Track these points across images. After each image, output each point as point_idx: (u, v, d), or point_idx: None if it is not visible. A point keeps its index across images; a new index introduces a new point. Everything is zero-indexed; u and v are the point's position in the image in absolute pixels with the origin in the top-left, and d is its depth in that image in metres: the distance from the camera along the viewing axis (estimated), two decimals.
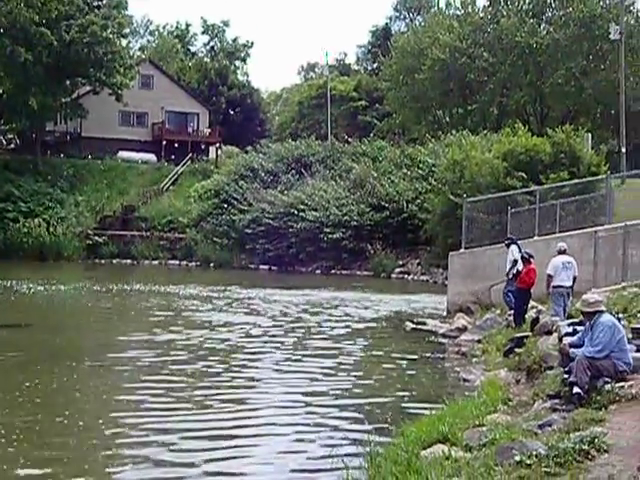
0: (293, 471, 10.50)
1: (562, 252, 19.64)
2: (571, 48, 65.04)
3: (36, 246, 56.39)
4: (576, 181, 34.40)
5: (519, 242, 23.45)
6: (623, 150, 47.27)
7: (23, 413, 13.15)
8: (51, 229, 57.54)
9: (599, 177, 34.94)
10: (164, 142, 75.01)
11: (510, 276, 22.82)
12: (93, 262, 57.68)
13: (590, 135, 47.65)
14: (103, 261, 58.32)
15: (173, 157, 73.45)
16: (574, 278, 19.29)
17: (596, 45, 65.36)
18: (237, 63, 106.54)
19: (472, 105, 71.15)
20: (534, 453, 8.23)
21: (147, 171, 69.99)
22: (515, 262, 22.85)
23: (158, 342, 20.94)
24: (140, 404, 13.97)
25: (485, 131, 55.41)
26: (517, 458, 8.21)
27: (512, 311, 21.91)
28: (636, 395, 10.43)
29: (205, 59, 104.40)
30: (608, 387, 10.84)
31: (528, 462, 8.08)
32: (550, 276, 18.99)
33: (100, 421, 12.99)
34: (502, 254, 24.07)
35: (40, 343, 20.92)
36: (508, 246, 23.56)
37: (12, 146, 74.43)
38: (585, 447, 8.24)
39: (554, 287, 18.97)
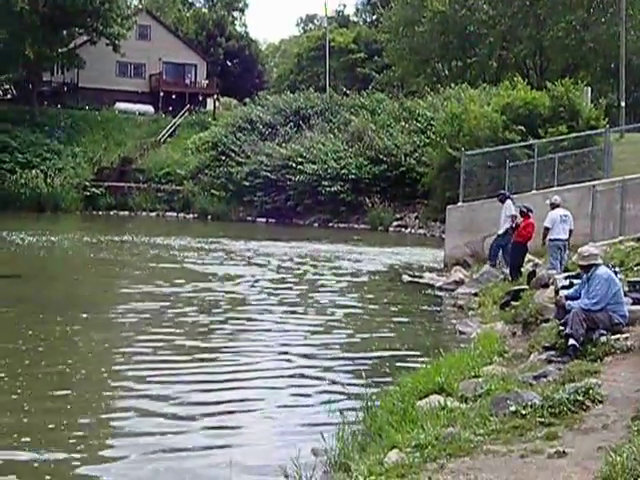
0: (291, 425, 10.56)
1: (557, 205, 19.68)
2: (572, 0, 64.47)
3: (33, 197, 56.20)
4: (575, 135, 34.36)
5: (512, 197, 23.46)
6: (622, 104, 47.04)
7: (27, 361, 13.24)
8: (48, 180, 57.31)
9: (598, 131, 34.89)
10: (161, 93, 74.55)
11: (503, 231, 22.90)
12: (91, 213, 57.65)
13: (590, 89, 47.41)
14: (101, 213, 58.30)
15: (170, 108, 73.06)
16: (570, 231, 19.38)
17: None
18: (235, 14, 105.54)
19: (471, 58, 70.72)
20: (529, 403, 8.30)
21: (144, 122, 69.66)
22: (514, 217, 22.90)
23: (159, 294, 20.87)
24: (141, 356, 13.98)
25: (484, 84, 55.20)
26: (512, 408, 8.28)
27: (489, 264, 22.40)
28: (631, 347, 10.51)
29: (203, 10, 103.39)
30: (603, 339, 10.92)
31: (523, 412, 8.14)
32: (547, 229, 19.05)
33: (102, 369, 13.13)
34: (500, 208, 24.05)
35: (41, 294, 20.96)
36: (502, 201, 23.55)
37: (8, 96, 74.02)
38: (580, 398, 8.31)
39: (551, 240, 19.04)
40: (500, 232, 23.26)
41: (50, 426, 9.99)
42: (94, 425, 10.31)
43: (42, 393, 11.44)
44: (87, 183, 59.69)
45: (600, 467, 6.37)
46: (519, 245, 20.42)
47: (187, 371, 13.06)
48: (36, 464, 8.85)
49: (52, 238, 35.96)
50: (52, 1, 59.48)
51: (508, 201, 23.30)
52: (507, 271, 21.51)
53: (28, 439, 9.51)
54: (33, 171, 57.48)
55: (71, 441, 9.58)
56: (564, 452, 7.01)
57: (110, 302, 19.80)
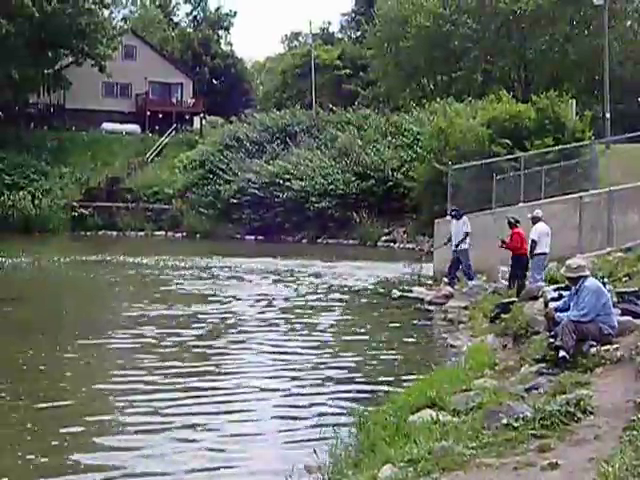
0: (284, 442, 10.54)
1: (539, 219, 19.77)
2: (555, 14, 64.88)
3: (21, 219, 56.10)
4: (561, 147, 34.52)
5: (505, 208, 23.78)
6: (607, 115, 47.33)
7: (30, 380, 13.36)
8: (36, 201, 57.25)
9: (584, 143, 35.11)
10: (148, 113, 74.54)
11: (460, 247, 23.55)
12: (79, 234, 57.48)
13: (574, 101, 47.64)
14: (89, 233, 58.10)
15: (157, 128, 73.06)
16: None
17: (579, 10, 65.21)
18: (220, 33, 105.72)
19: (456, 72, 70.93)
20: (521, 416, 8.32)
21: (131, 142, 69.65)
22: (467, 234, 23.51)
23: (152, 317, 20.47)
24: (140, 377, 13.92)
25: (469, 98, 55.34)
26: (504, 421, 8.30)
27: (471, 281, 23.26)
28: (621, 358, 10.54)
29: (188, 29, 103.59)
30: (593, 350, 10.96)
31: (515, 425, 8.16)
32: (534, 242, 19.13)
33: (103, 388, 13.10)
34: (488, 221, 24.22)
35: (37, 317, 20.83)
36: (459, 218, 24.02)
37: None
38: (571, 409, 8.33)
39: (537, 254, 19.11)
40: (464, 247, 23.77)
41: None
42: (90, 432, 10.33)
43: (43, 428, 11.39)
44: (75, 204, 59.62)
45: (593, 478, 6.40)
46: (519, 258, 20.31)
47: (180, 386, 13.09)
48: None
49: (41, 259, 35.79)
50: (37, 23, 59.50)
51: (464, 217, 23.92)
52: (470, 282, 23.14)
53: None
54: (20, 193, 57.40)
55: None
56: (556, 464, 7.03)
57: (106, 326, 19.47)
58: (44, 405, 11.81)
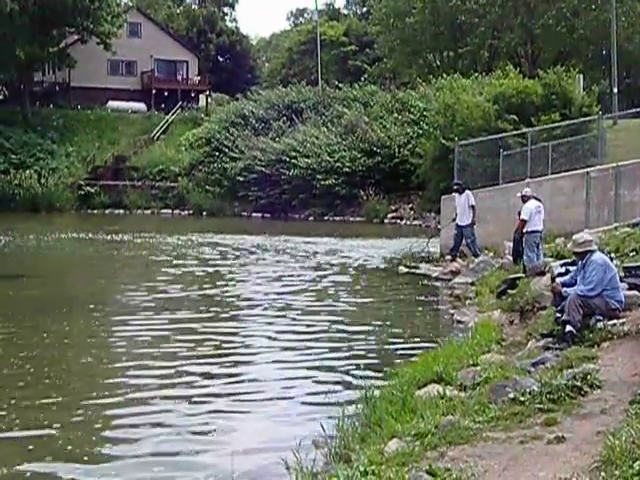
0: (292, 418, 10.57)
1: (529, 197, 19.65)
2: None
3: (28, 198, 56.29)
4: (568, 122, 34.41)
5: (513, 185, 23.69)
6: (615, 90, 47.07)
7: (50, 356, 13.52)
8: (42, 180, 57.38)
9: (591, 118, 34.92)
10: (154, 91, 74.53)
11: (470, 222, 23.55)
12: (86, 213, 57.64)
13: (582, 76, 47.37)
14: (96, 211, 58.29)
15: (163, 106, 73.03)
16: (543, 222, 19.47)
17: None
18: (225, 9, 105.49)
19: (463, 48, 70.56)
20: (527, 390, 8.35)
21: (137, 120, 69.66)
22: (473, 207, 23.51)
23: (163, 297, 20.33)
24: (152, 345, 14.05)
25: (476, 74, 55.06)
26: (511, 395, 8.33)
27: (477, 257, 23.20)
28: (628, 332, 10.55)
29: (193, 6, 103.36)
30: (600, 325, 10.97)
31: (522, 399, 8.19)
32: (524, 221, 19.04)
33: (121, 367, 13.12)
34: (494, 197, 24.15)
35: (51, 295, 20.78)
36: (461, 192, 24.00)
37: (0, 97, 73.88)
38: (578, 383, 8.35)
39: (529, 232, 19.02)
40: (464, 223, 23.72)
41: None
42: (92, 405, 10.38)
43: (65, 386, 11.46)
44: (81, 182, 59.75)
45: (599, 451, 6.41)
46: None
47: (189, 361, 13.14)
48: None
49: (49, 238, 35.89)
50: (42, 1, 59.35)
51: (468, 191, 23.86)
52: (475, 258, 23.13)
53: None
54: (27, 171, 57.53)
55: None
56: (563, 437, 7.05)
57: (125, 308, 19.20)
58: (83, 403, 11.40)
